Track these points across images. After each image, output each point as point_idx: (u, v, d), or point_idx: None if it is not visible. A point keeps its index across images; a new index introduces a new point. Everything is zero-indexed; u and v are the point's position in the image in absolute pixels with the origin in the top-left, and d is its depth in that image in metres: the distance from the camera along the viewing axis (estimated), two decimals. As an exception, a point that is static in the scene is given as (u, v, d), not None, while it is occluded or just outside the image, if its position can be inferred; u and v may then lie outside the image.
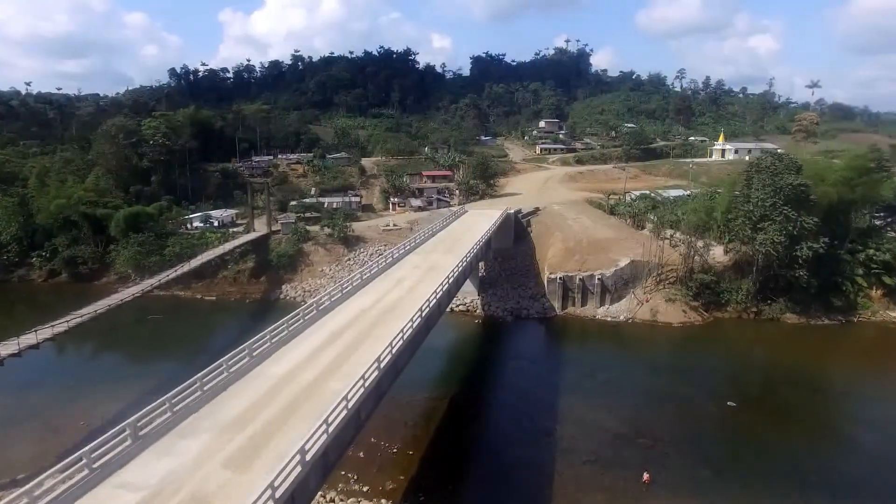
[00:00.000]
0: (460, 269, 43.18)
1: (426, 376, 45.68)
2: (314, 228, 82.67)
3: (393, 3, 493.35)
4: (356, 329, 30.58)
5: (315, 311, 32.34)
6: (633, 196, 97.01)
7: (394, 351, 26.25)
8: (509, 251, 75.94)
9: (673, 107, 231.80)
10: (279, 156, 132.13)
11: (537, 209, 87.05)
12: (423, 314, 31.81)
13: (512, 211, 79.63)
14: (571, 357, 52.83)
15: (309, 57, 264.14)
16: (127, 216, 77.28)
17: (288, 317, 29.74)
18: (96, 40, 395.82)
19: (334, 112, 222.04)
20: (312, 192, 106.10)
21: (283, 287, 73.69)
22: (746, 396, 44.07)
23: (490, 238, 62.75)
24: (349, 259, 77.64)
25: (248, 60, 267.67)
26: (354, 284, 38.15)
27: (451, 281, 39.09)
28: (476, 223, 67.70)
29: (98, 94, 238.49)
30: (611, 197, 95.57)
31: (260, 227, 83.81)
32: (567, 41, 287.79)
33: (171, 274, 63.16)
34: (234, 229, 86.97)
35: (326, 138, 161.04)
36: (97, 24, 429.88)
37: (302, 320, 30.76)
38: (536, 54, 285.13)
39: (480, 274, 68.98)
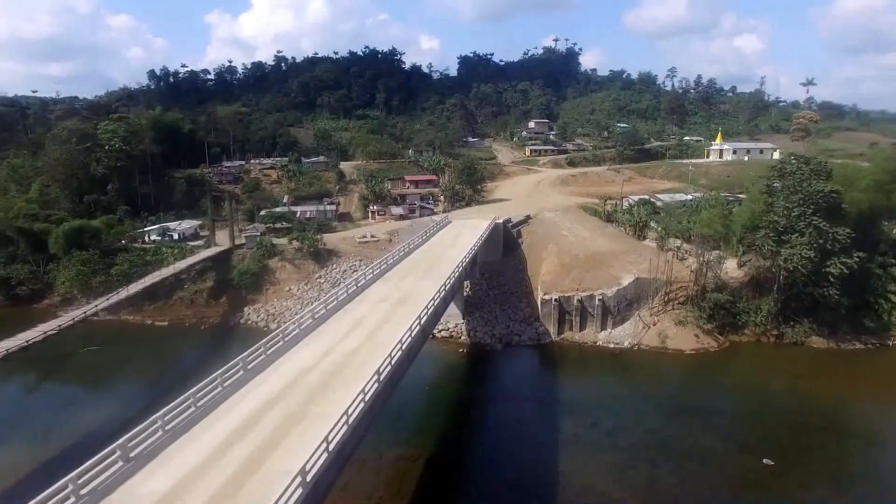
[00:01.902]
0: (438, 300, 35.55)
1: (398, 426, 38.05)
2: (282, 241, 74.62)
3: (381, 4, 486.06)
4: (285, 407, 22.58)
5: (240, 374, 24.48)
6: (631, 201, 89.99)
7: (332, 447, 18.53)
8: (498, 265, 68.39)
9: (665, 106, 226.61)
10: (252, 161, 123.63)
11: (528, 217, 79.69)
12: (383, 376, 24.13)
13: (500, 220, 72.14)
14: (570, 396, 45.22)
15: (292, 58, 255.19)
16: (68, 231, 68.70)
17: (192, 391, 21.81)
18: (81, 43, 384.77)
19: (317, 114, 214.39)
20: (284, 201, 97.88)
21: (245, 310, 65.56)
22: (784, 450, 36.66)
23: (476, 254, 55.19)
24: (320, 276, 69.71)
25: (230, 62, 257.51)
26: (303, 327, 30.28)
27: (423, 320, 31.42)
28: (460, 237, 60.12)
29: (77, 98, 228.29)
30: (607, 202, 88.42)
31: (223, 241, 75.63)
32: (556, 40, 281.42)
33: (112, 298, 55.43)
34: (196, 243, 78.72)
35: (307, 141, 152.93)
36: (81, 26, 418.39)
37: (219, 388, 22.92)
38: (525, 54, 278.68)
39: (466, 293, 61.37)
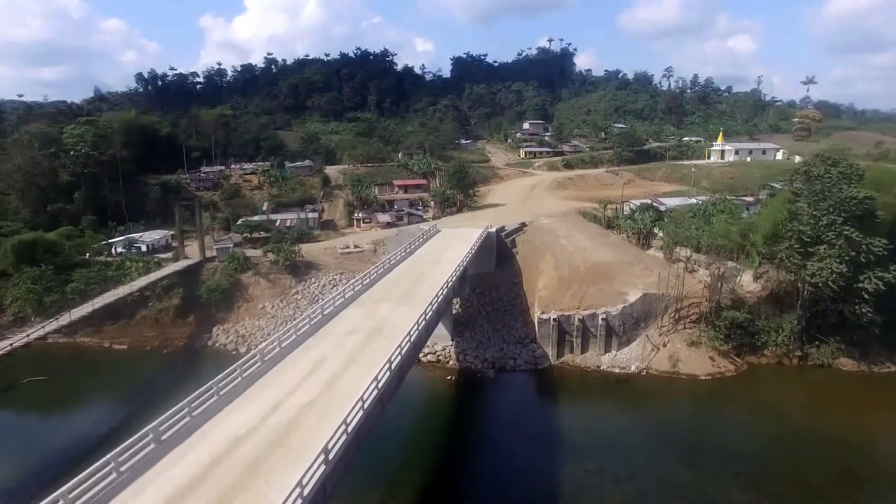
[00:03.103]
0: (417, 332, 29.91)
1: (375, 474, 32.38)
2: (256, 253, 68.78)
3: (375, 7, 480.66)
4: (209, 492, 16.94)
5: (150, 448, 18.74)
6: (632, 206, 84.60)
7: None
8: (490, 278, 62.77)
9: (662, 106, 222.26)
10: (233, 166, 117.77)
11: (523, 225, 74.09)
12: (336, 450, 18.45)
13: (493, 229, 66.54)
14: (573, 433, 39.57)
15: (283, 60, 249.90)
16: (18, 245, 62.62)
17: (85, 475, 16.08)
18: (73, 47, 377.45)
19: (307, 117, 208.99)
20: (264, 208, 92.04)
21: (214, 330, 59.65)
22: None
23: (465, 270, 49.62)
24: (297, 292, 63.88)
25: (219, 64, 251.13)
26: (246, 374, 24.56)
27: (398, 361, 25.78)
28: (448, 250, 54.51)
29: (65, 102, 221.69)
30: (607, 207, 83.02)
31: (195, 253, 69.74)
32: (550, 40, 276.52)
33: (62, 319, 49.60)
34: (165, 255, 72.74)
35: (294, 145, 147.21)
36: (74, 30, 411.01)
37: (116, 470, 17.21)
38: (519, 54, 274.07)
39: (455, 311, 55.76)
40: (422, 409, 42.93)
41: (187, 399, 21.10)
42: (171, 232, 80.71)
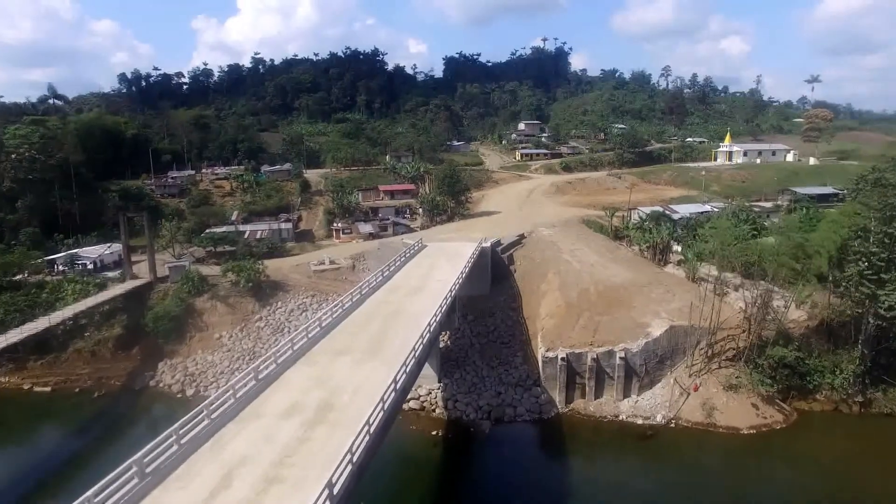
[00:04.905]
0: (383, 411, 21.14)
1: None
2: (214, 272, 59.74)
3: (369, 9, 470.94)
4: None
5: None
6: (641, 214, 76.24)
7: None
8: (484, 302, 54.20)
9: (661, 105, 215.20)
10: (205, 170, 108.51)
11: (522, 237, 65.59)
12: None
13: (488, 243, 57.96)
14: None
15: (271, 60, 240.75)
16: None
17: None
18: (63, 48, 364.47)
19: (294, 118, 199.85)
20: (233, 217, 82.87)
21: (160, 366, 50.59)
22: None
23: (455, 299, 40.91)
24: (260, 318, 54.96)
25: (205, 64, 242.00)
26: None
27: (345, 477, 16.96)
28: (435, 270, 45.95)
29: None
30: (615, 216, 74.52)
31: (147, 272, 60.56)
32: (544, 39, 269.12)
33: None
34: (114, 273, 63.43)
35: (277, 147, 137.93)
36: (64, 31, 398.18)
37: None
38: (513, 54, 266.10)
39: (443, 344, 47.03)
40: (400, 478, 34.03)
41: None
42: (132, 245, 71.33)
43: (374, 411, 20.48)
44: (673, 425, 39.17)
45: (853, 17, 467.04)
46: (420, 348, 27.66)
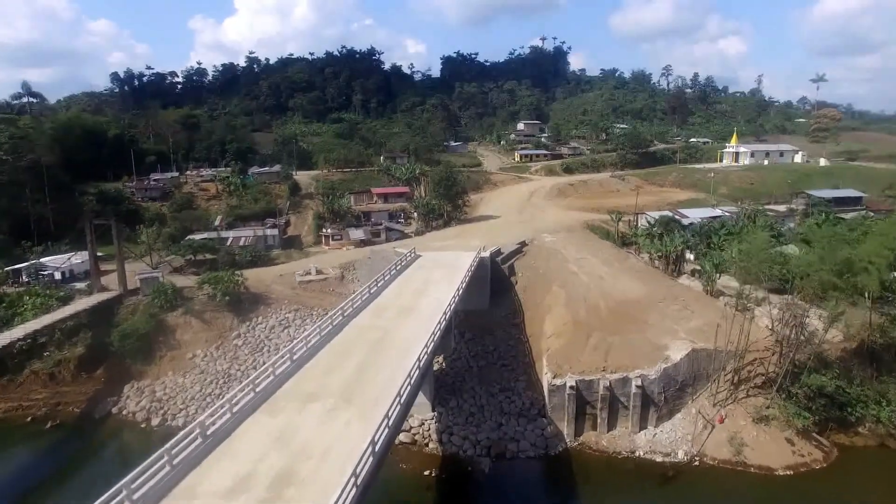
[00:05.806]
0: (360, 483, 16.52)
1: None
2: (191, 282, 55.01)
3: (366, 9, 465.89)
4: None
5: None
6: (649, 219, 71.72)
7: None
8: (483, 318, 49.50)
9: (663, 105, 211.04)
10: (189, 172, 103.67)
11: (523, 244, 60.90)
12: None
13: (487, 253, 53.38)
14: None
15: (265, 59, 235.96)
16: None
17: None
18: (61, 48, 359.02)
19: (288, 118, 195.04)
20: (217, 223, 78.06)
21: (125, 390, 45.79)
22: None
23: (451, 321, 36.26)
24: (238, 335, 50.21)
25: (199, 63, 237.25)
26: None
27: None
28: (430, 285, 41.32)
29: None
30: (621, 221, 69.99)
31: (116, 284, 55.83)
32: (543, 39, 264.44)
33: None
34: (82, 285, 58.70)
35: (269, 148, 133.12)
36: (62, 31, 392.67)
37: None
38: (511, 53, 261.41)
39: (437, 367, 42.38)
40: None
41: None
42: (102, 253, 66.52)
43: (344, 488, 15.85)
44: (697, 463, 34.62)
45: (848, 18, 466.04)
46: (406, 392, 23.02)
